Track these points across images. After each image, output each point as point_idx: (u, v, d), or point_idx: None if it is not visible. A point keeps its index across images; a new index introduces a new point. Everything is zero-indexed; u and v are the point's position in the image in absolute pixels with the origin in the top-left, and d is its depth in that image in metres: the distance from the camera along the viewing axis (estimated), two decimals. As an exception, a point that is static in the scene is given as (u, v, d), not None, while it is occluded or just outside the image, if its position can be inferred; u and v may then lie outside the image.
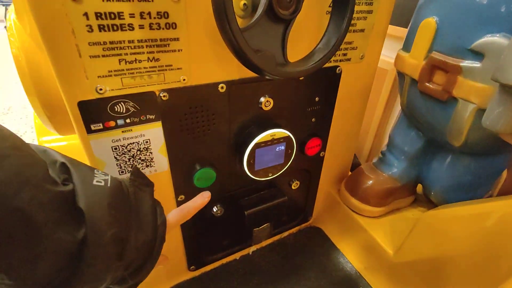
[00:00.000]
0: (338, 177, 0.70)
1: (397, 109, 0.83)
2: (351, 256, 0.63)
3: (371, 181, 0.61)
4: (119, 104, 0.35)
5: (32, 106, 0.43)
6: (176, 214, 0.36)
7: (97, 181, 0.27)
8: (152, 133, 0.39)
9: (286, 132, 0.47)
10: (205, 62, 0.38)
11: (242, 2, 0.37)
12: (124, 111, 0.36)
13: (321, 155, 0.61)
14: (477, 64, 0.39)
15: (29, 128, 1.73)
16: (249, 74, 0.41)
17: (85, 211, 0.25)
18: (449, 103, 0.43)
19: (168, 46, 0.35)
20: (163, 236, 0.32)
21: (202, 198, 0.38)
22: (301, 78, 0.48)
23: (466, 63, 0.40)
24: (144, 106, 0.37)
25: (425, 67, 0.45)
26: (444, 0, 0.43)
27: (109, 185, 0.28)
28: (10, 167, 0.21)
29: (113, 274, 0.27)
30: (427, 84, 0.46)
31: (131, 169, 0.36)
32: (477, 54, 0.39)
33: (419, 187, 0.64)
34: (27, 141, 0.25)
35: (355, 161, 0.81)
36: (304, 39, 0.44)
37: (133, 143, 0.39)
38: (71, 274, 0.24)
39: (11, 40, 0.36)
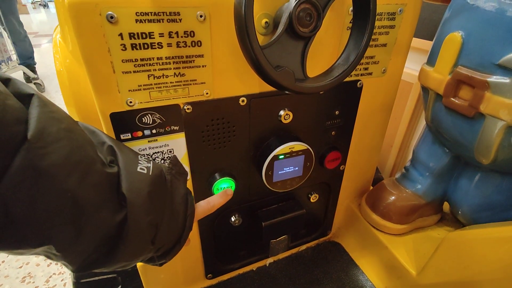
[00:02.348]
0: (359, 191, 0.68)
1: (422, 123, 0.80)
2: (371, 274, 0.61)
3: (393, 197, 0.59)
4: (147, 116, 0.38)
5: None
6: (204, 206, 0.37)
7: (140, 168, 0.29)
8: (176, 143, 0.42)
9: (305, 145, 0.48)
10: (227, 76, 0.40)
11: (264, 20, 0.39)
12: (150, 122, 0.39)
13: (341, 168, 0.60)
14: (505, 80, 0.37)
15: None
16: (269, 88, 0.43)
17: (128, 196, 0.26)
18: (476, 119, 0.42)
19: (193, 62, 0.37)
20: (190, 225, 0.34)
21: (226, 194, 0.40)
22: (321, 92, 0.48)
23: (494, 79, 0.38)
24: (169, 117, 0.39)
25: (450, 82, 0.44)
26: (470, 14, 0.42)
27: (151, 173, 0.29)
28: (63, 149, 0.22)
29: (145, 255, 0.30)
30: (452, 99, 0.44)
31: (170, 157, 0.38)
32: (506, 70, 0.37)
33: (446, 205, 0.61)
34: None
35: (377, 175, 0.79)
36: (324, 54, 0.45)
37: (158, 152, 0.41)
38: (109, 251, 0.26)
39: (56, 56, 0.41)
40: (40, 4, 7.61)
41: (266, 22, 0.39)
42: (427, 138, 0.57)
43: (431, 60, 0.49)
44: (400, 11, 0.47)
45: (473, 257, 0.43)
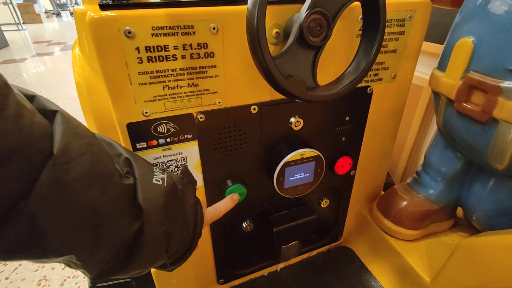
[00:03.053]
0: (370, 197, 0.68)
1: (433, 127, 0.80)
2: (383, 280, 0.61)
3: (405, 202, 0.58)
4: (161, 125, 0.39)
5: (87, 125, 0.49)
6: (211, 212, 0.38)
7: (156, 180, 0.30)
8: (189, 151, 0.43)
9: (316, 152, 0.48)
10: (238, 86, 0.41)
11: (275, 31, 0.39)
12: (165, 132, 0.40)
13: (351, 173, 0.60)
14: (519, 85, 0.37)
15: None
16: (280, 96, 0.43)
17: (144, 207, 0.28)
18: (490, 124, 0.41)
19: (206, 72, 0.38)
20: (200, 233, 0.35)
21: (232, 200, 0.41)
22: (331, 99, 0.49)
23: (507, 84, 0.38)
24: (182, 126, 0.40)
25: (462, 87, 0.44)
26: (481, 19, 0.42)
27: (165, 184, 0.31)
28: (85, 163, 0.23)
29: (159, 262, 0.31)
30: (464, 104, 0.44)
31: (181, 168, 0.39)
32: (519, 75, 0.37)
33: (460, 210, 0.60)
34: None
35: (388, 180, 0.78)
36: (334, 62, 0.45)
37: (172, 160, 0.42)
38: (125, 258, 0.27)
39: (75, 69, 0.42)
40: (53, 13, 7.84)
41: (277, 32, 0.40)
42: (439, 143, 0.56)
43: (442, 65, 0.49)
44: (410, 17, 0.47)
45: (488, 264, 0.43)
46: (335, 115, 0.51)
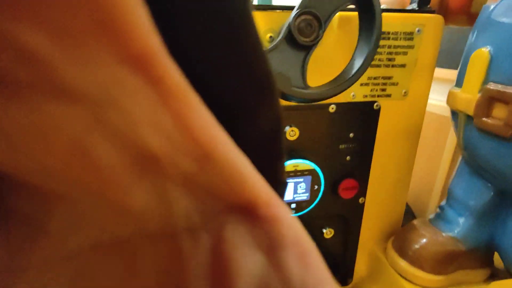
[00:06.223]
0: (385, 233, 0.59)
1: (465, 162, 0.71)
2: None
3: (425, 240, 0.49)
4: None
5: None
6: None
7: None
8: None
9: (311, 165, 0.44)
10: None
11: (269, 35, 0.40)
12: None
13: (360, 201, 0.53)
14: (546, 91, 0.32)
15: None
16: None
17: None
18: (509, 139, 0.35)
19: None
20: None
21: None
22: (331, 111, 0.46)
23: (532, 91, 0.33)
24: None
25: (481, 100, 0.39)
26: (496, 29, 0.38)
27: None
28: None
29: None
30: (485, 119, 0.38)
31: None
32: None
33: (498, 257, 0.49)
34: None
35: (410, 217, 0.69)
36: (333, 71, 0.44)
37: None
38: None
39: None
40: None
41: (270, 37, 0.40)
42: (464, 171, 0.49)
43: (459, 81, 0.45)
44: (419, 31, 0.45)
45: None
46: (337, 130, 0.47)
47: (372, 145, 0.50)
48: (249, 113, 0.11)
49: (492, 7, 0.40)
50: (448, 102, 0.47)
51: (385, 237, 0.59)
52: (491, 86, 0.37)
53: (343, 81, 0.36)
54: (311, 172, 0.44)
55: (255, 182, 0.09)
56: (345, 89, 0.36)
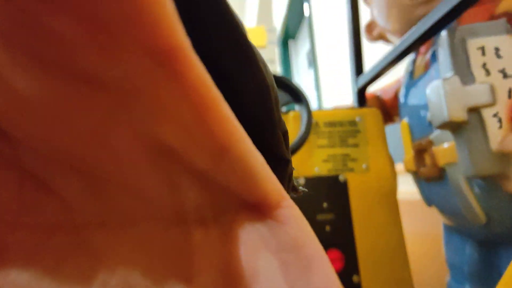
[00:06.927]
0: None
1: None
2: None
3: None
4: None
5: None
6: None
7: None
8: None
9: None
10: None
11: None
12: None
13: (354, 279, 0.51)
14: (437, 132, 0.40)
15: None
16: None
17: None
18: (443, 178, 0.40)
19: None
20: None
21: None
22: (301, 183, 0.54)
23: (433, 135, 0.41)
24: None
25: (414, 155, 0.46)
26: (404, 107, 0.51)
27: None
28: None
29: None
30: (422, 168, 0.45)
31: None
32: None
33: None
34: None
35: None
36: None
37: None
38: None
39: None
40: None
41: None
42: (445, 233, 0.48)
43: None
44: (359, 119, 0.58)
45: None
46: (310, 201, 0.53)
47: (348, 214, 0.53)
48: (232, 79, 0.10)
49: (401, 92, 0.54)
50: (405, 169, 0.53)
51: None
52: (414, 142, 0.46)
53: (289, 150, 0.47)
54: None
55: (268, 181, 0.09)
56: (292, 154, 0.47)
